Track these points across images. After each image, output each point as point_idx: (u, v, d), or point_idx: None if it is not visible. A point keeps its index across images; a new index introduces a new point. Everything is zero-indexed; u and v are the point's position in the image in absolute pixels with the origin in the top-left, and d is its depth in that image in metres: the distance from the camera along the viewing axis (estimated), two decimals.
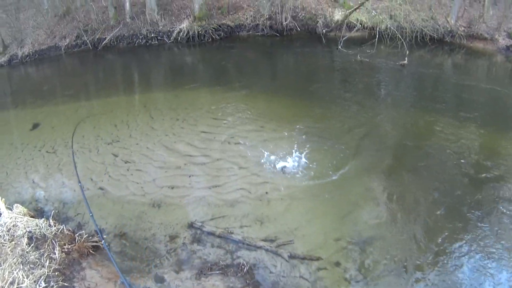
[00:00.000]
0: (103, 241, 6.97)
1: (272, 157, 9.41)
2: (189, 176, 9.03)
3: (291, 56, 19.57)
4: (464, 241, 7.00)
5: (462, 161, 9.27)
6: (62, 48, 21.62)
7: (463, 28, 19.59)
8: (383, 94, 13.99)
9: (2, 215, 7.34)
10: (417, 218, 7.61)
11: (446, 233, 7.15)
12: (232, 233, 7.36)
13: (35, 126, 12.56)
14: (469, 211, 7.72)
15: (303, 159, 9.26)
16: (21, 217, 7.27)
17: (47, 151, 10.87)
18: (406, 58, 16.23)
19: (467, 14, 20.32)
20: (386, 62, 17.05)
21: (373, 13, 18.33)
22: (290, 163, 9.17)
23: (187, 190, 8.64)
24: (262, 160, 9.35)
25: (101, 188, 8.98)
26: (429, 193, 8.27)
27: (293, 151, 9.48)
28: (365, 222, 7.53)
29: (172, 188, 8.71)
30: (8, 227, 6.98)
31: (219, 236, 7.32)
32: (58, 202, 8.77)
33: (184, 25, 21.23)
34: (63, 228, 7.17)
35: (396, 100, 13.40)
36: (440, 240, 7.00)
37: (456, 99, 13.57)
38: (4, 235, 6.81)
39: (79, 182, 8.90)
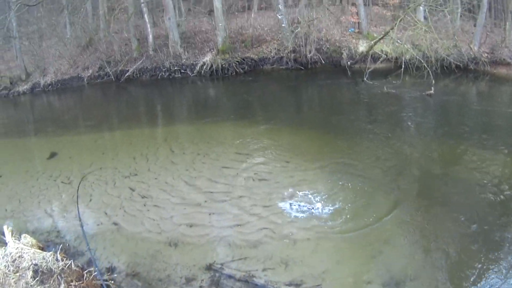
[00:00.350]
0: (102, 280, 6.49)
1: (298, 195, 8.78)
2: (209, 214, 8.44)
3: (316, 89, 19.38)
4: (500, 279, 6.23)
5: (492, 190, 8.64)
6: (85, 79, 21.92)
7: (486, 54, 19.30)
8: (412, 126, 13.47)
9: (8, 245, 6.89)
10: (451, 255, 6.83)
11: (481, 270, 6.40)
12: (254, 276, 6.66)
13: (53, 155, 12.28)
14: (503, 243, 7.05)
15: (329, 196, 8.66)
16: (28, 249, 6.83)
17: (62, 182, 10.51)
18: (432, 88, 15.82)
19: (490, 40, 20.07)
20: (413, 92, 16.69)
21: (397, 43, 17.92)
22: (316, 200, 8.54)
23: (206, 228, 8.02)
24: (287, 198, 8.72)
25: (115, 223, 8.47)
26: (462, 227, 7.54)
27: (319, 187, 8.97)
28: (397, 262, 6.77)
29: (191, 226, 8.12)
30: (14, 258, 6.53)
31: (239, 280, 6.62)
32: (69, 235, 8.28)
33: (208, 58, 21.34)
34: (71, 264, 6.67)
35: (424, 130, 12.96)
36: (475, 278, 6.25)
37: (483, 126, 12.97)
38: (9, 266, 6.36)
39: (79, 216, 8.63)
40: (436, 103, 15.48)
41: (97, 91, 21.03)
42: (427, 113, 14.80)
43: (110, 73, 21.63)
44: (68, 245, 7.93)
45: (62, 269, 6.47)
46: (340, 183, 9.16)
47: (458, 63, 18.90)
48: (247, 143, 12.00)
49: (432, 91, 15.66)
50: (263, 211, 8.40)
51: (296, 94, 19.03)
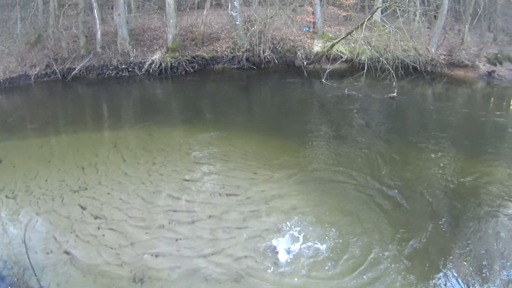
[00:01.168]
0: None
1: (274, 214, 8.24)
2: (176, 240, 7.69)
3: (272, 90, 18.93)
4: None
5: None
6: (32, 77, 20.22)
7: (443, 57, 19.64)
8: (376, 128, 13.53)
9: None
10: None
11: None
12: None
13: None
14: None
15: (305, 212, 8.29)
16: None
17: (6, 196, 9.30)
18: (395, 91, 16.00)
19: (447, 42, 20.44)
20: (374, 94, 16.79)
21: (360, 43, 17.76)
22: (294, 218, 8.06)
23: (175, 259, 7.25)
24: (264, 217, 8.15)
25: (66, 252, 7.52)
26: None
27: (294, 202, 8.57)
28: None
29: (156, 256, 7.34)
30: None
31: None
32: (17, 267, 7.25)
33: (157, 56, 20.37)
34: None
35: (385, 133, 13.15)
36: None
37: (441, 129, 13.32)
38: None
39: (25, 244, 7.66)
40: (398, 106, 15.46)
41: (44, 90, 19.40)
42: (391, 115, 14.95)
43: (57, 71, 20.05)
44: (17, 279, 6.94)
45: None
46: (313, 194, 8.90)
47: (416, 65, 19.10)
48: (204, 150, 11.28)
49: (395, 94, 15.69)
50: (239, 234, 7.74)
51: (249, 95, 18.64)
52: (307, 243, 7.39)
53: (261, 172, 9.87)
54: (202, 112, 15.84)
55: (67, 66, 20.52)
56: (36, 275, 6.93)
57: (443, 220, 8.05)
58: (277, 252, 7.25)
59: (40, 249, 7.61)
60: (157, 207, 8.67)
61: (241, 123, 13.84)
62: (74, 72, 20.40)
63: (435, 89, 18.75)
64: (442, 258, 7.02)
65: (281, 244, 7.42)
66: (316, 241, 7.42)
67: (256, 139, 12.22)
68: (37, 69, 20.54)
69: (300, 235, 7.58)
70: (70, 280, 6.91)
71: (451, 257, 7.07)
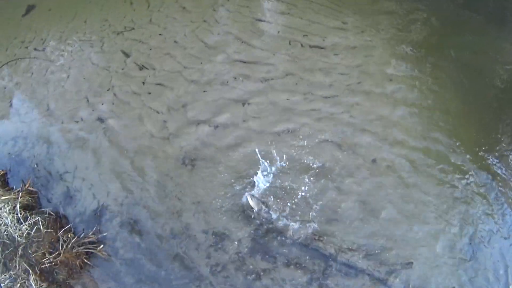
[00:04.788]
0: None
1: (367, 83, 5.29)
2: (243, 105, 5.19)
3: None
4: None
5: None
6: None
7: None
8: None
9: None
10: None
11: None
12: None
13: (29, 9, 8.63)
14: None
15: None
16: None
17: (35, 49, 7.24)
18: None
19: None
20: None
21: None
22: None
23: (240, 135, 4.84)
24: (353, 86, 5.25)
25: (100, 119, 5.47)
26: None
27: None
28: None
29: (216, 127, 4.95)
30: None
31: None
32: (40, 145, 5.39)
33: None
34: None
35: None
36: None
37: None
38: None
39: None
40: None
41: None
42: None
43: None
44: (36, 165, 5.11)
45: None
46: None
47: None
48: None
49: None
50: (324, 105, 5.05)
51: None
52: None
53: (351, 21, 6.36)
54: None
55: None
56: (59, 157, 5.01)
57: None
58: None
59: (67, 116, 5.66)
60: (221, 54, 6.03)
61: None
62: None
63: None
64: None
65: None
66: None
67: None
68: None
69: None
70: (102, 160, 4.88)
71: None
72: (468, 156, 4.36)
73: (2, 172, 5.16)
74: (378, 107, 4.92)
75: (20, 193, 4.61)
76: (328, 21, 6.32)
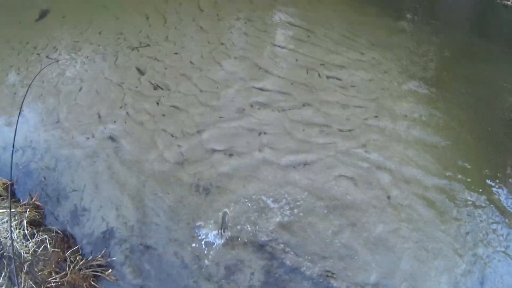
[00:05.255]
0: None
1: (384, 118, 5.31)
2: (259, 135, 5.15)
3: None
4: None
5: None
6: None
7: None
8: None
9: None
10: None
11: None
12: None
13: (43, 14, 8.58)
14: None
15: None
16: None
17: (47, 56, 7.14)
18: None
19: None
20: None
21: None
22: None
23: (255, 164, 4.82)
24: (370, 120, 5.31)
25: (111, 138, 5.38)
26: None
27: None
28: None
29: (231, 155, 4.90)
30: None
31: None
32: (48, 159, 5.31)
33: None
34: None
35: None
36: None
37: None
38: None
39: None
40: None
41: None
42: None
43: None
44: (44, 178, 5.03)
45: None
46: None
47: None
48: (303, 10, 7.82)
49: None
50: (342, 139, 5.03)
51: None
52: None
53: (368, 54, 6.44)
54: None
55: None
56: (68, 173, 4.92)
57: None
58: None
59: (78, 131, 5.56)
60: (238, 80, 5.97)
61: None
62: None
63: None
64: None
65: None
66: None
67: (370, 9, 8.19)
68: None
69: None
70: (113, 181, 4.79)
71: None
72: (480, 191, 4.41)
73: (9, 183, 5.05)
74: (393, 143, 4.92)
75: (28, 208, 4.52)
76: (345, 51, 6.36)
